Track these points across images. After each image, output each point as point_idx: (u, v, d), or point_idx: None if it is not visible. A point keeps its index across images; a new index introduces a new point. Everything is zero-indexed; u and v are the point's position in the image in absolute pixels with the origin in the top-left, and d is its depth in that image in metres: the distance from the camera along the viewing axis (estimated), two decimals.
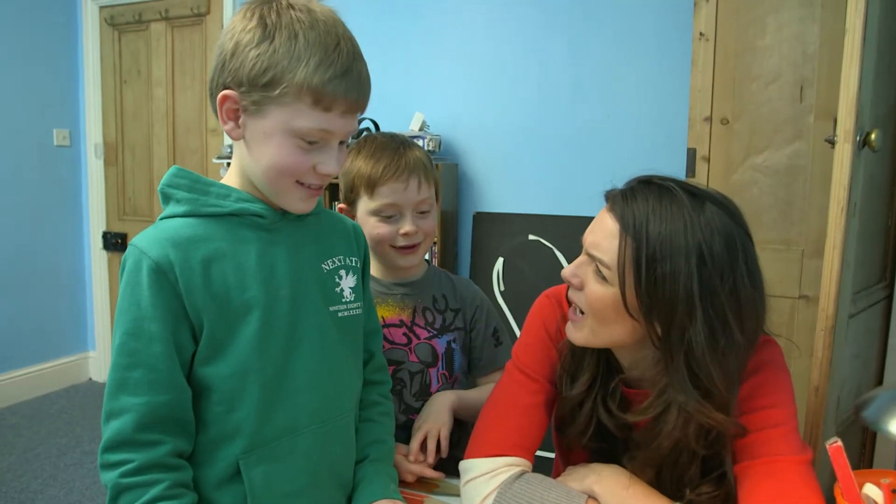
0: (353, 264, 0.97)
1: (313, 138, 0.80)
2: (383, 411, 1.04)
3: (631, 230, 0.80)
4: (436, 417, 1.13)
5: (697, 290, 0.77)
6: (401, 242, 1.15)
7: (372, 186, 1.14)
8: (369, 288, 1.04)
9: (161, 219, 0.85)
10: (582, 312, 0.88)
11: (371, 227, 1.15)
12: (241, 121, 0.81)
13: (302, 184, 0.84)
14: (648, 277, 0.79)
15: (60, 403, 3.35)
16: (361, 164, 1.16)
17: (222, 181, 0.87)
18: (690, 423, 0.82)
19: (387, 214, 1.15)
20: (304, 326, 0.86)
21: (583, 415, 0.93)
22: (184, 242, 0.80)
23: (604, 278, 0.83)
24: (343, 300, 0.93)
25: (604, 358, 0.94)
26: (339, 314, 0.93)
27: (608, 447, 0.94)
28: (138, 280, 0.78)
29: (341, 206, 1.21)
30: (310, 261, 0.90)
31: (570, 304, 0.91)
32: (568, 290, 0.91)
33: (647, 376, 0.89)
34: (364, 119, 2.59)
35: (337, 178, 1.22)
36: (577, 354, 0.95)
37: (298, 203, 0.86)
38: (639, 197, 0.82)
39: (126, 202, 3.61)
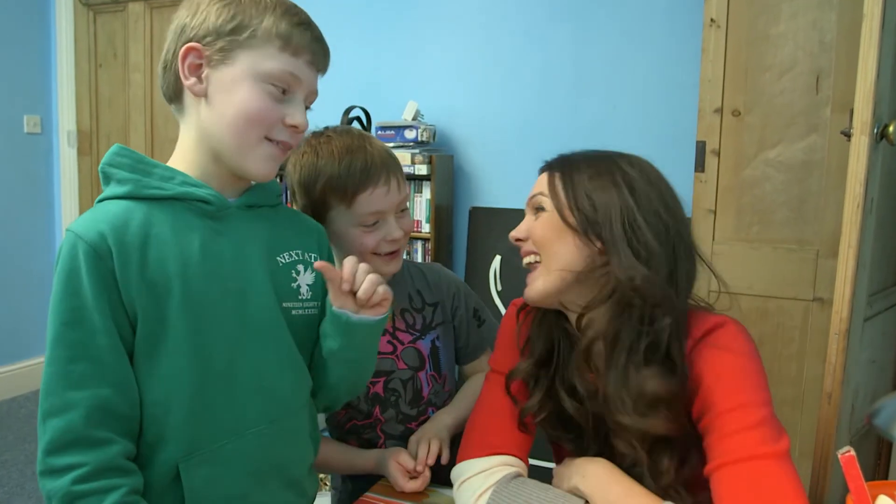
0: (313, 260, 0.95)
1: (283, 83, 0.84)
2: None
3: (557, 167, 0.96)
4: (435, 434, 1.15)
5: (629, 193, 0.90)
6: (386, 249, 1.14)
7: (350, 196, 1.09)
8: None
9: (99, 201, 0.85)
10: (534, 263, 0.96)
11: (353, 238, 1.11)
12: (203, 74, 0.84)
13: (269, 140, 0.85)
14: (581, 185, 0.92)
15: (29, 407, 3.33)
16: (326, 168, 1.10)
17: (168, 164, 0.87)
18: (631, 309, 0.86)
19: (371, 223, 1.12)
20: (252, 323, 0.86)
21: (538, 389, 0.97)
22: (121, 226, 0.79)
23: (541, 208, 0.94)
24: (299, 297, 0.93)
25: (559, 329, 0.98)
26: (293, 311, 0.92)
27: (575, 438, 0.97)
28: (74, 266, 0.76)
29: None
30: (261, 253, 0.89)
31: (525, 266, 0.98)
32: (521, 254, 0.99)
33: (603, 340, 0.90)
34: (354, 107, 2.59)
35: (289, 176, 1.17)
36: (533, 334, 1.01)
37: (263, 163, 0.86)
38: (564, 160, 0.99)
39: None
